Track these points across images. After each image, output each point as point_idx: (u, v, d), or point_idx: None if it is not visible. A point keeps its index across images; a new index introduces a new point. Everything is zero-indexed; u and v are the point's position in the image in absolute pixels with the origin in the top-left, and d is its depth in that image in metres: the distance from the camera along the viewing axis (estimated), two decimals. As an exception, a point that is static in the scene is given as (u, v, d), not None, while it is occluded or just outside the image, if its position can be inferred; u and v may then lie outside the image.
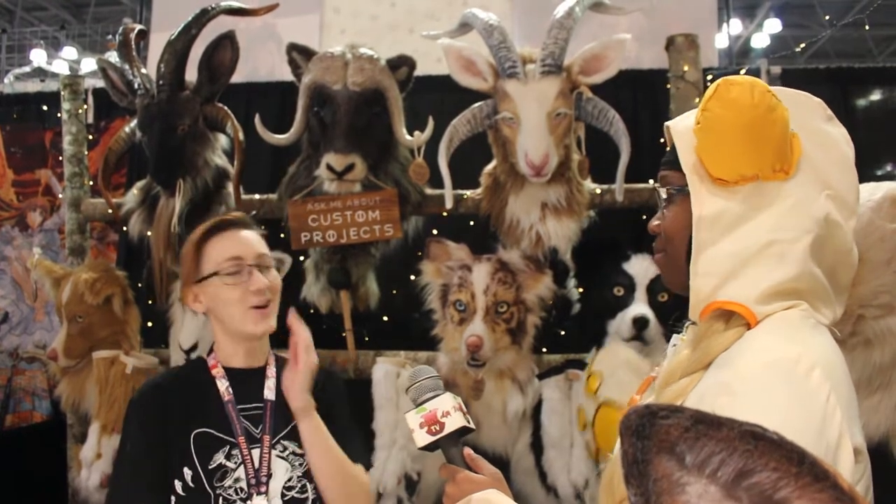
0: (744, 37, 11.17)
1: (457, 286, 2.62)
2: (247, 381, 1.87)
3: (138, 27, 3.08)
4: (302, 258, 3.05)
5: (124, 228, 3.15)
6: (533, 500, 2.68)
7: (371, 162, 2.69)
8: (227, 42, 2.88)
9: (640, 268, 2.54)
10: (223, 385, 1.83)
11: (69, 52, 11.88)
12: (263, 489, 1.77)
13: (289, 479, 1.80)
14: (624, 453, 0.55)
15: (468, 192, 2.84)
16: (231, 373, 1.86)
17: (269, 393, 1.87)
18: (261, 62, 4.63)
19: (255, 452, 1.79)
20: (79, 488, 2.88)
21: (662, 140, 3.03)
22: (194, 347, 2.63)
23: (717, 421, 0.55)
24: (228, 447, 1.77)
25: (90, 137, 3.58)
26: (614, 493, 1.17)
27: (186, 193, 2.86)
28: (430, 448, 1.39)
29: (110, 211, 3.14)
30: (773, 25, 10.70)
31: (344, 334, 2.87)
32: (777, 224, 1.10)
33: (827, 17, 9.45)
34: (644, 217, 3.27)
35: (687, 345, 1.18)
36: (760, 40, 10.80)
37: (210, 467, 1.74)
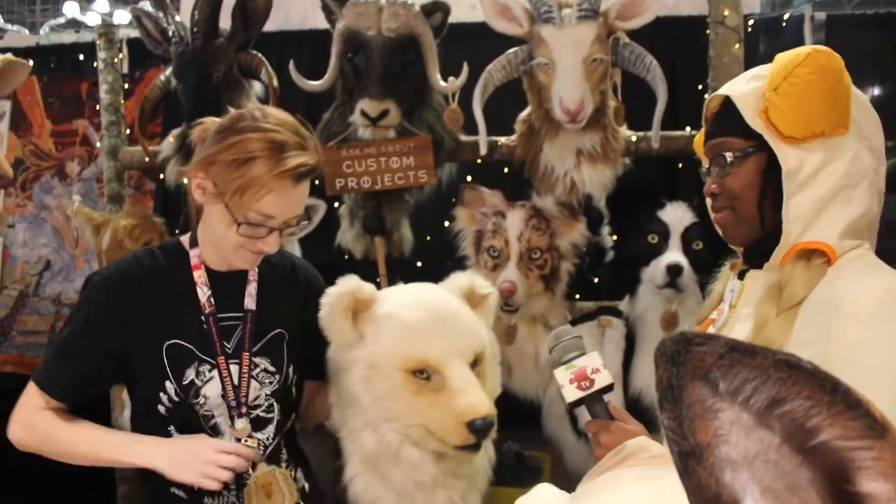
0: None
1: (490, 232, 2.63)
2: (227, 285, 1.76)
3: (172, -26, 3.08)
4: (336, 204, 3.06)
5: (161, 176, 3.18)
6: (564, 444, 2.71)
7: (405, 108, 2.68)
8: (260, -12, 2.87)
9: (675, 216, 2.51)
10: (205, 295, 1.73)
11: (101, 4, 11.89)
12: (244, 410, 1.71)
13: (256, 398, 1.74)
14: (658, 379, 0.56)
15: (503, 139, 2.83)
16: (212, 276, 1.75)
17: (250, 301, 1.77)
18: (294, 10, 4.59)
19: (234, 370, 1.71)
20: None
21: (700, 87, 2.97)
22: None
23: (751, 349, 0.55)
24: (197, 362, 1.69)
25: (126, 87, 3.61)
26: None
27: (221, 141, 2.88)
28: (577, 404, 1.44)
29: (147, 159, 3.17)
30: (818, -31, 10.40)
31: (378, 280, 2.89)
32: (845, 171, 1.27)
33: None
34: (680, 165, 3.26)
35: (763, 290, 1.31)
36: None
37: (183, 383, 1.68)
